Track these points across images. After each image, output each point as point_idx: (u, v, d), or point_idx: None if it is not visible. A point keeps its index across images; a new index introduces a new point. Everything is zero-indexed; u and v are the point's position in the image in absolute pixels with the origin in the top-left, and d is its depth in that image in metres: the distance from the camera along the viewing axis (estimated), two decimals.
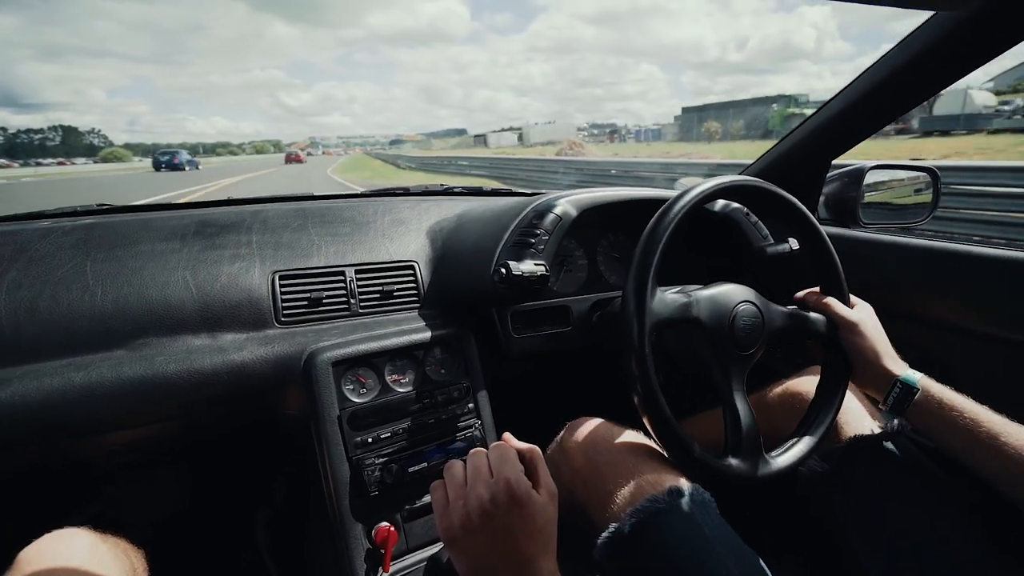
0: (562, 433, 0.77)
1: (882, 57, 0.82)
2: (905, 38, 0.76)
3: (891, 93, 0.84)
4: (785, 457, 0.69)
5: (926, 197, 1.11)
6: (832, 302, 0.75)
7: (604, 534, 0.61)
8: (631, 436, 0.72)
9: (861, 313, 0.74)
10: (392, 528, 0.69)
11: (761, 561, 0.60)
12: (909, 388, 0.66)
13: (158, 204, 0.98)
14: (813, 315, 0.76)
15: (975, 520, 0.63)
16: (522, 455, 0.54)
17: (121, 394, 0.68)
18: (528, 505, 0.49)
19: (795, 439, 0.72)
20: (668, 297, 0.67)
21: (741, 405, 0.69)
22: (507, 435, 0.59)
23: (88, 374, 0.68)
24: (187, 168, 29.41)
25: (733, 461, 0.67)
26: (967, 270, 0.83)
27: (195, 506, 1.11)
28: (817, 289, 0.78)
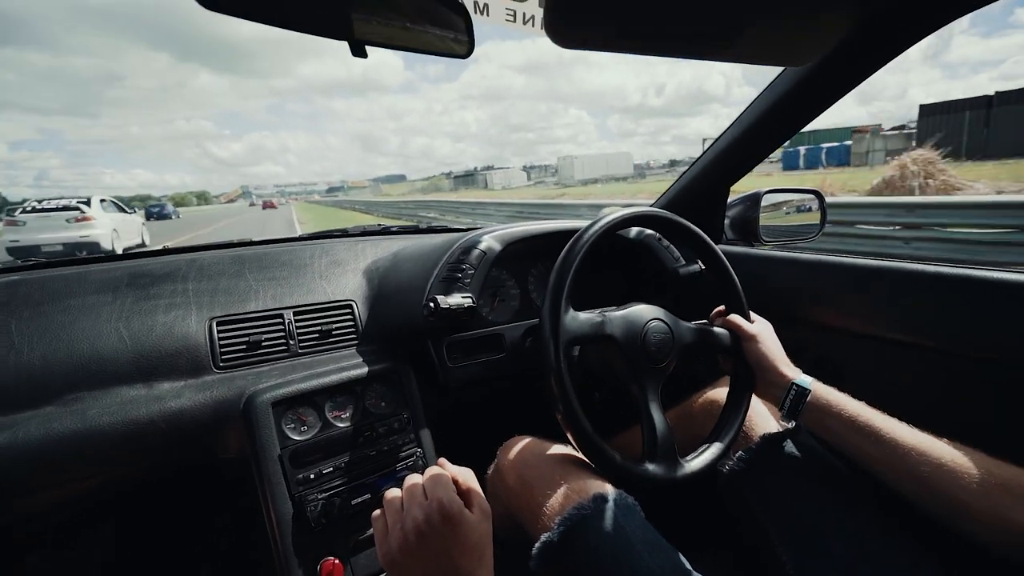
0: (498, 453, 0.81)
1: (754, 101, 0.95)
2: (768, 86, 0.90)
3: (764, 130, 0.97)
4: (698, 461, 0.76)
5: (815, 216, 1.25)
6: (734, 318, 0.84)
7: (537, 544, 0.65)
8: (559, 450, 0.77)
9: (759, 327, 0.83)
10: (337, 561, 0.71)
11: (681, 556, 0.66)
12: (802, 391, 0.73)
13: (87, 258, 0.98)
14: (718, 330, 0.84)
15: (868, 506, 0.71)
16: (455, 478, 0.58)
17: (50, 451, 0.67)
18: (461, 523, 0.52)
19: (707, 444, 0.79)
20: (582, 317, 0.74)
21: (656, 414, 0.75)
22: (442, 460, 0.62)
23: (14, 433, 0.67)
24: (173, 217, 36.73)
25: (650, 466, 0.72)
26: (848, 279, 0.94)
27: (134, 562, 1.06)
28: (722, 308, 0.87)
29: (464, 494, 0.56)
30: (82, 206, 10.67)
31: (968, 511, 0.59)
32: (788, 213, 1.24)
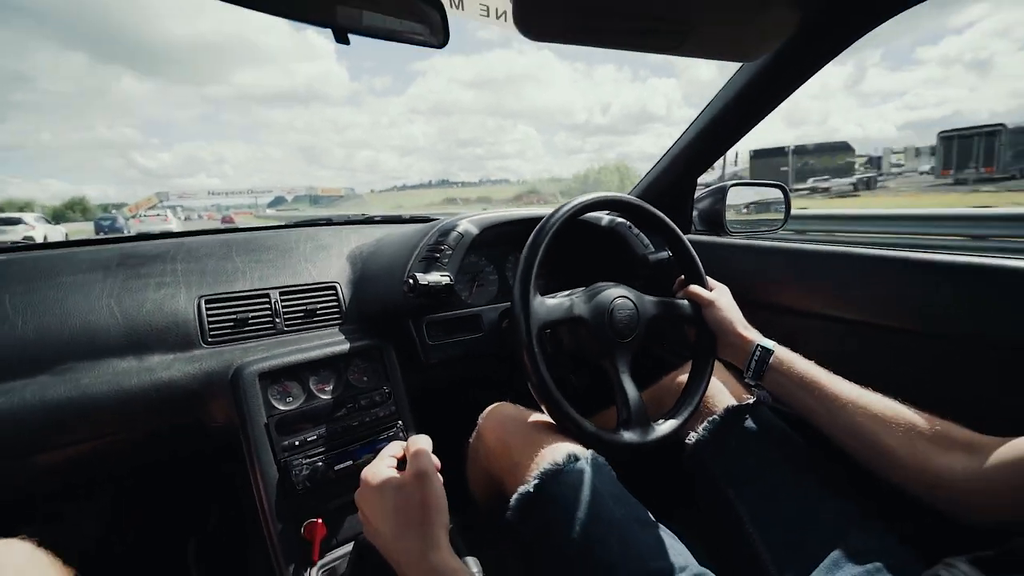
0: (479, 419, 0.85)
1: (715, 96, 1.02)
2: (728, 81, 0.96)
3: (726, 122, 1.04)
4: (668, 424, 0.81)
5: (779, 208, 1.32)
6: (693, 287, 0.90)
7: (514, 496, 0.69)
8: (538, 417, 0.81)
9: (717, 293, 0.90)
10: (320, 522, 0.75)
11: (645, 510, 0.70)
12: (766, 353, 0.79)
13: (78, 240, 1.01)
14: (680, 301, 0.90)
15: (818, 472, 0.77)
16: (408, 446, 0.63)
17: (47, 415, 0.71)
18: (383, 489, 0.57)
19: (675, 410, 0.84)
20: (550, 302, 0.79)
21: (628, 385, 0.80)
22: (393, 442, 0.67)
23: (10, 398, 0.70)
24: (125, 231, 34.81)
25: (625, 434, 0.78)
26: (809, 263, 1.00)
27: (122, 537, 1.09)
28: (682, 278, 0.93)
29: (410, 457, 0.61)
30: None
31: (894, 459, 0.65)
32: (753, 210, 1.31)
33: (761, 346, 0.80)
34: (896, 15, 0.72)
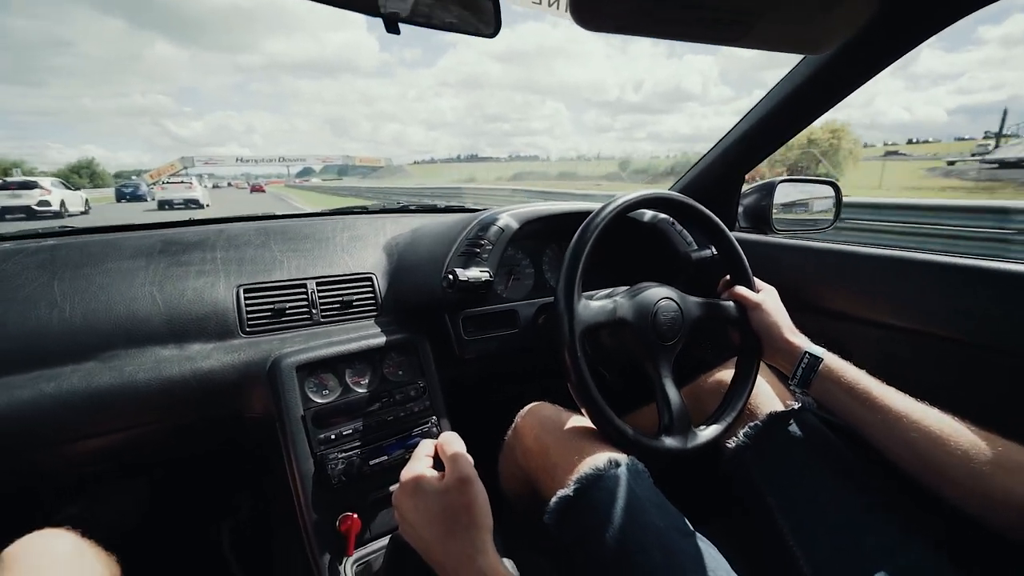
0: (517, 418, 0.84)
1: (772, 88, 0.96)
2: (788, 74, 0.90)
3: (781, 118, 0.98)
4: (711, 430, 0.79)
5: (830, 207, 1.25)
6: (739, 289, 0.87)
7: (553, 499, 0.68)
8: (577, 420, 0.79)
9: (764, 295, 0.86)
10: (355, 516, 0.75)
11: (685, 519, 0.69)
12: (815, 361, 0.76)
13: (121, 225, 1.02)
14: (724, 302, 0.86)
15: (866, 483, 0.74)
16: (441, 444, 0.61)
17: (92, 402, 0.72)
18: (425, 494, 0.56)
19: (718, 414, 0.81)
20: (594, 304, 0.76)
21: (671, 390, 0.78)
22: (424, 440, 0.65)
23: (59, 384, 0.72)
24: (148, 199, 31.33)
25: (667, 440, 0.75)
26: (859, 267, 0.95)
27: (159, 521, 1.12)
28: (727, 278, 0.90)
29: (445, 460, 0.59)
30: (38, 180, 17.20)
31: (951, 477, 0.62)
32: (804, 202, 1.25)
33: (810, 353, 0.77)
34: (981, 8, 0.66)
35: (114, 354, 0.77)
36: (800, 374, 0.77)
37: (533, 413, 0.82)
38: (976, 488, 0.61)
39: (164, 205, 23.00)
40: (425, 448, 0.62)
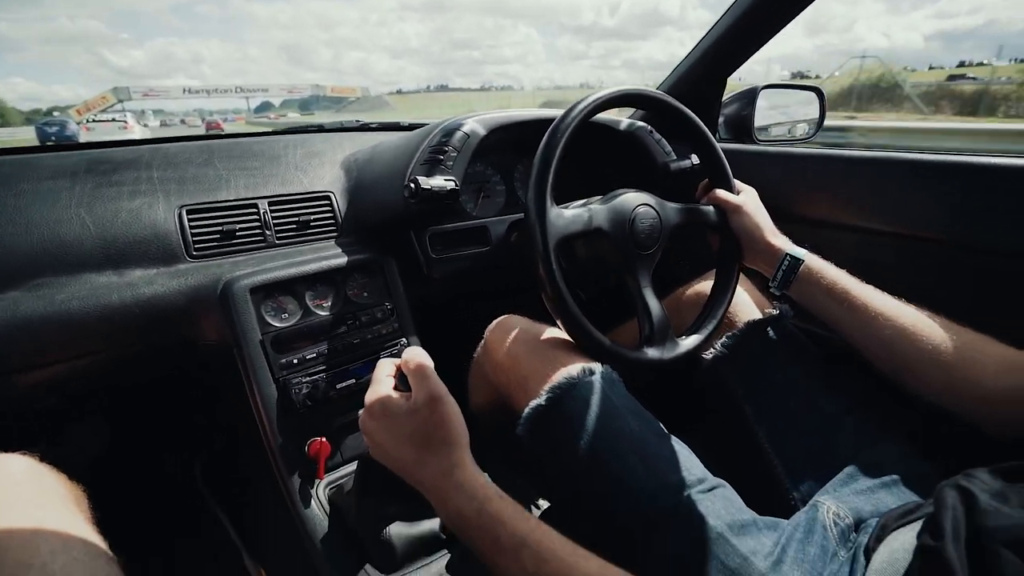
0: (486, 332, 0.81)
1: None
2: None
3: (762, 13, 0.91)
4: (692, 339, 0.77)
5: (813, 113, 1.20)
6: (718, 192, 0.83)
7: (526, 410, 0.66)
8: (549, 331, 0.76)
9: (744, 197, 0.83)
10: (324, 440, 0.72)
11: (660, 424, 0.68)
12: (796, 262, 0.75)
13: (39, 146, 0.91)
14: (704, 207, 0.83)
15: (838, 384, 0.75)
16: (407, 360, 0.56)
17: (21, 332, 0.65)
18: (394, 416, 0.52)
19: (699, 323, 0.79)
20: (568, 213, 0.71)
21: (651, 300, 0.75)
22: (383, 360, 0.60)
23: None
24: (76, 139, 24.19)
25: (648, 350, 0.73)
26: (841, 169, 0.92)
27: (129, 456, 1.09)
28: (706, 181, 0.86)
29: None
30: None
31: (922, 372, 0.64)
32: (786, 109, 1.19)
33: (790, 255, 0.76)
34: None
35: (42, 282, 0.70)
36: (780, 276, 0.76)
37: (502, 326, 0.79)
38: (944, 381, 0.62)
39: None
40: (385, 368, 0.58)
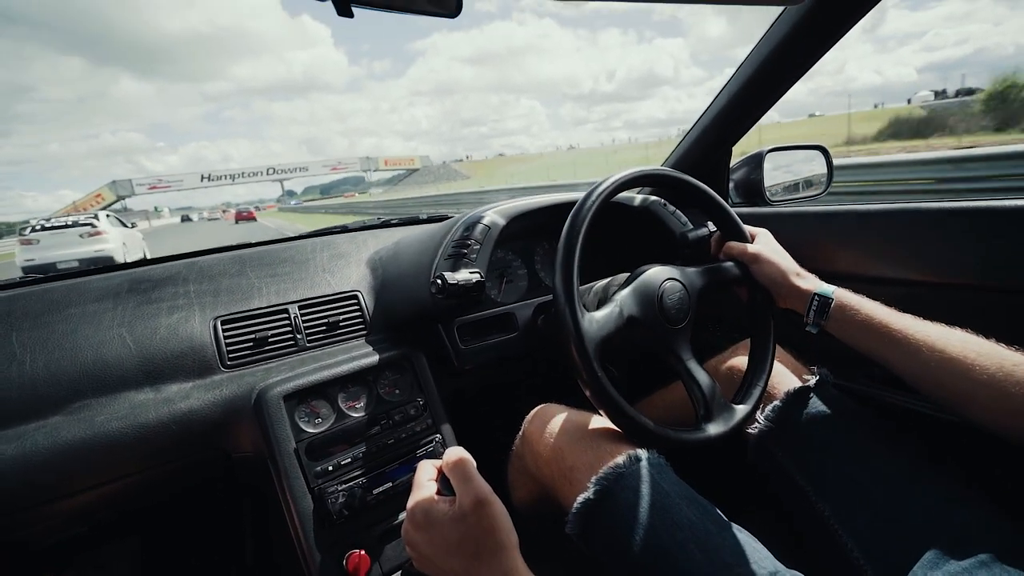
0: (524, 423, 0.79)
1: (751, 51, 0.93)
2: (765, 33, 0.87)
3: (765, 80, 0.95)
4: (744, 407, 0.74)
5: (821, 171, 1.22)
6: (732, 245, 0.83)
7: (575, 505, 0.63)
8: (589, 418, 0.74)
9: (759, 245, 0.82)
10: (363, 553, 0.69)
11: (718, 511, 0.64)
12: (825, 299, 0.73)
13: (84, 269, 0.96)
14: (725, 264, 0.82)
15: (895, 446, 0.70)
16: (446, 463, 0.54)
17: (59, 459, 0.66)
18: (430, 526, 0.50)
19: (745, 389, 0.76)
20: (599, 316, 0.69)
21: (698, 372, 0.73)
22: (423, 462, 0.58)
23: (21, 444, 0.65)
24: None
25: (710, 427, 0.70)
26: (856, 224, 0.92)
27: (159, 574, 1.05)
28: (717, 234, 0.87)
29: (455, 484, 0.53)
30: (93, 221, 10.64)
31: (978, 401, 0.60)
32: (794, 169, 1.21)
33: (818, 293, 0.74)
34: None
35: (83, 404, 0.71)
36: (813, 316, 0.74)
37: (541, 416, 0.77)
38: (1004, 407, 0.58)
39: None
40: (426, 472, 0.56)
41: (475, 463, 0.53)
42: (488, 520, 0.49)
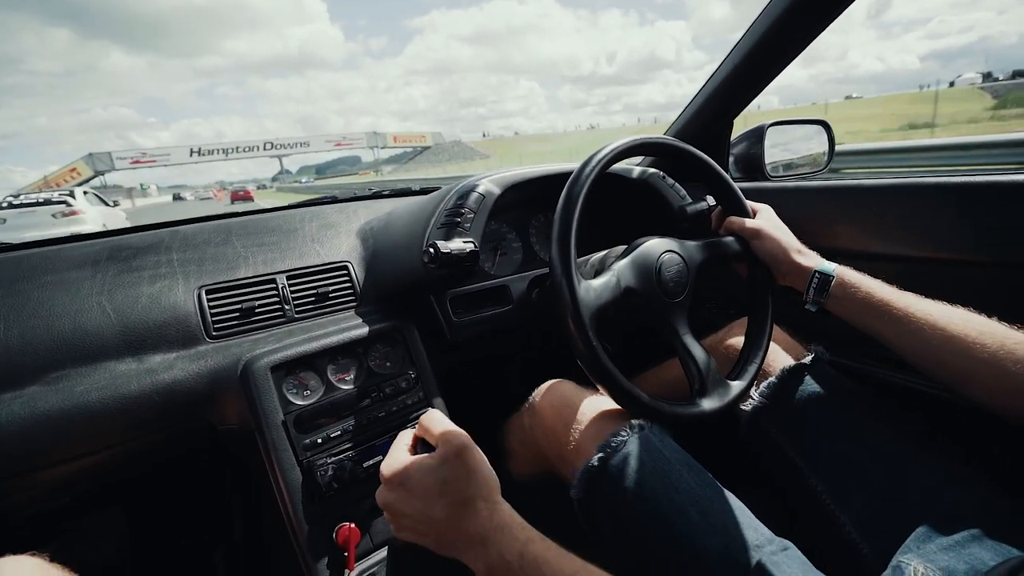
0: (533, 395, 0.80)
1: (755, 20, 0.90)
2: (766, 6, 0.84)
3: (769, 50, 0.92)
4: (740, 382, 0.73)
5: (822, 147, 1.20)
6: (733, 219, 0.81)
7: (578, 471, 0.64)
8: (594, 395, 0.75)
9: (760, 220, 0.81)
10: (353, 526, 0.68)
11: (714, 478, 0.64)
12: (826, 277, 0.72)
13: (64, 237, 0.92)
14: (724, 238, 0.81)
15: (891, 424, 0.70)
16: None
17: (36, 429, 0.63)
18: (417, 476, 0.50)
19: (741, 365, 0.76)
20: (596, 284, 0.68)
21: (694, 347, 0.72)
22: (401, 432, 0.59)
23: None
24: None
25: (704, 402, 0.69)
26: (860, 200, 0.90)
27: (141, 553, 1.03)
28: (718, 209, 0.85)
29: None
30: (68, 199, 9.12)
31: (978, 379, 0.60)
32: (795, 144, 1.19)
33: (819, 271, 0.73)
34: None
35: (62, 374, 0.68)
36: (812, 294, 0.73)
37: (554, 392, 0.78)
38: (1004, 386, 0.58)
39: None
40: (403, 439, 0.56)
41: (450, 421, 0.54)
42: (470, 463, 0.50)
